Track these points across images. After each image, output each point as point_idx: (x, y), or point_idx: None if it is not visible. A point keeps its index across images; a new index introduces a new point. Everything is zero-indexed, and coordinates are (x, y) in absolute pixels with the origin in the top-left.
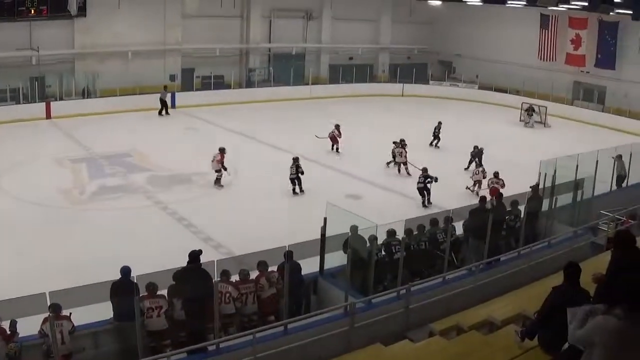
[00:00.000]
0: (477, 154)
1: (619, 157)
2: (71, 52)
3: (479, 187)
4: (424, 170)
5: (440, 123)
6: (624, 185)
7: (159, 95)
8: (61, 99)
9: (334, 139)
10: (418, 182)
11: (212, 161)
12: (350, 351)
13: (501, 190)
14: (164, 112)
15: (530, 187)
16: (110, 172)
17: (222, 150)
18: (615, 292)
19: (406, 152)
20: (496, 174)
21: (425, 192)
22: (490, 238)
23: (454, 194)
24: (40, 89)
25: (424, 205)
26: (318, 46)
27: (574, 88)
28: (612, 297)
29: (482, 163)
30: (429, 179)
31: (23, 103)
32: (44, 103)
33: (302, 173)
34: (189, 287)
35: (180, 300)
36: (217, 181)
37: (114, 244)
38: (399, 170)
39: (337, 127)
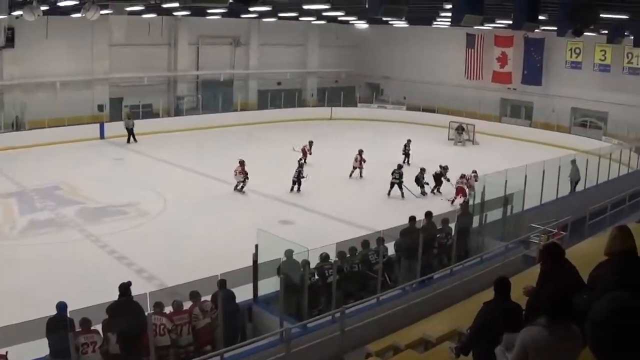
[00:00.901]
0: (442, 174)
1: (573, 161)
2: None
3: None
4: (399, 166)
5: (409, 140)
6: (578, 188)
7: (123, 123)
8: None
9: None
10: (393, 177)
11: (235, 174)
12: None
13: (467, 190)
14: (131, 140)
15: (460, 204)
16: (40, 207)
17: (241, 163)
18: (540, 303)
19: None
20: (462, 175)
21: (399, 187)
22: (423, 257)
23: (385, 214)
24: None
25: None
26: (246, 72)
27: (502, 105)
28: (537, 309)
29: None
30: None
31: None
32: None
33: (303, 177)
34: (122, 320)
35: (115, 334)
36: (240, 189)
37: (46, 279)
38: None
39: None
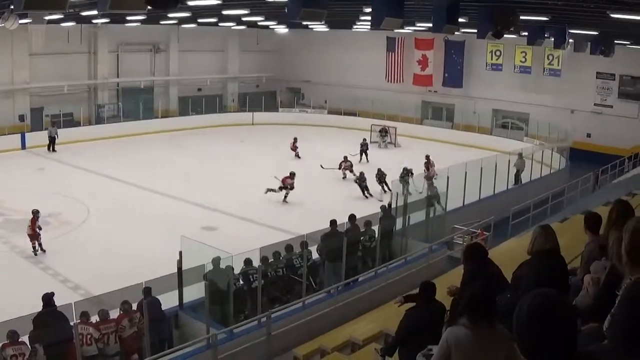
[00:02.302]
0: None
1: (520, 155)
2: None
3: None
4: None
5: (365, 139)
6: (521, 180)
7: (48, 130)
8: None
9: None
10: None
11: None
12: None
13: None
14: (51, 148)
15: (381, 207)
16: None
17: (292, 175)
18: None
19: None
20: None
21: (364, 190)
22: (347, 260)
23: (309, 217)
24: None
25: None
26: (166, 79)
27: (423, 107)
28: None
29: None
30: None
31: None
32: None
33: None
34: (48, 331)
35: (42, 346)
36: (285, 197)
37: None
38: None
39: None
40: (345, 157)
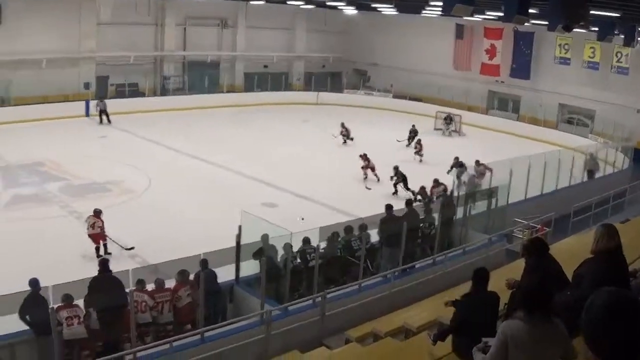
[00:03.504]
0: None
1: (591, 155)
2: None
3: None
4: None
5: (413, 125)
6: (596, 177)
7: (96, 103)
8: None
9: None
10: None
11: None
12: (267, 358)
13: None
14: (106, 119)
15: (439, 195)
16: (24, 182)
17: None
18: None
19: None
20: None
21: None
22: (406, 245)
23: (369, 200)
24: None
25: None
26: (233, 54)
27: (489, 97)
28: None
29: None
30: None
31: None
32: None
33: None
34: (103, 296)
35: (96, 310)
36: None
37: (29, 254)
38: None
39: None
40: (365, 155)
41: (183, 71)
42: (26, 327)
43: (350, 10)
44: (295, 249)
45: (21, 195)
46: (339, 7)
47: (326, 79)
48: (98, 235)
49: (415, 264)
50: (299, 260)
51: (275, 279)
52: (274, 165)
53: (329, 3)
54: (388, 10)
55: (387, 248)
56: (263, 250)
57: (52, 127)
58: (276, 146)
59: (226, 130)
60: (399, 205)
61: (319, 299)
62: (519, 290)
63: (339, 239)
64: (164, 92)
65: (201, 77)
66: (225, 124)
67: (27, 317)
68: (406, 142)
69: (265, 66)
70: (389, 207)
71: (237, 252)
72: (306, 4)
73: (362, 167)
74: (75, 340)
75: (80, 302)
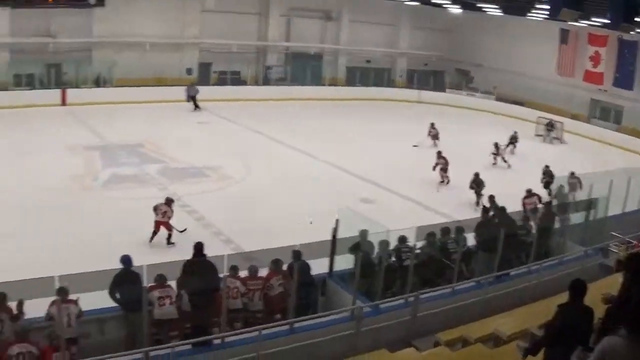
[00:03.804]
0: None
1: None
2: (89, 41)
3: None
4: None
5: (515, 131)
6: None
7: (184, 88)
8: (77, 86)
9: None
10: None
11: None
12: (355, 354)
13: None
14: (195, 106)
15: (542, 203)
16: (123, 162)
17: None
18: (621, 313)
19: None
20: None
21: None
22: (502, 252)
23: (468, 203)
24: (56, 75)
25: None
26: (336, 47)
27: (591, 105)
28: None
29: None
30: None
31: (38, 89)
32: (60, 90)
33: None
34: (196, 279)
35: (188, 293)
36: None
37: (124, 233)
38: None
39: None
40: (439, 153)
41: (285, 62)
42: (115, 305)
43: (455, 9)
44: (391, 246)
45: (120, 175)
46: (444, 6)
47: (428, 78)
48: (166, 224)
49: (510, 272)
50: (393, 258)
51: (369, 275)
52: (373, 161)
53: (433, 1)
54: (493, 10)
55: (483, 253)
56: (360, 245)
57: (153, 110)
58: (376, 142)
59: (327, 123)
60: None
61: (412, 299)
62: (619, 306)
63: (435, 240)
64: (266, 81)
65: (303, 69)
66: (326, 117)
67: (117, 294)
68: (505, 147)
69: (368, 61)
70: (485, 211)
71: (333, 246)
72: (411, 0)
73: (435, 167)
74: (165, 320)
75: (172, 284)
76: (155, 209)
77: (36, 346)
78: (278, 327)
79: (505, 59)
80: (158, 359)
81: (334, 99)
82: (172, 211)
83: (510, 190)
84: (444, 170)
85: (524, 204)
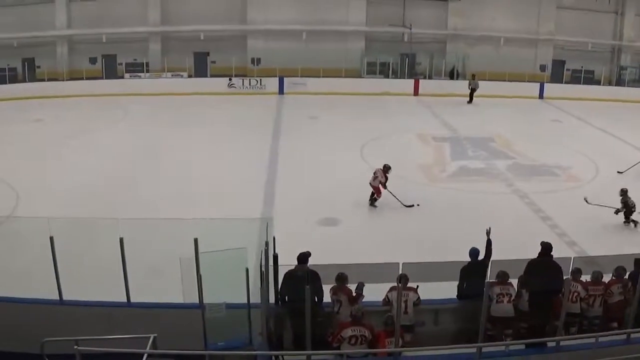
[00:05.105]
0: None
1: None
2: (443, 33)
3: None
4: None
5: None
6: None
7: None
8: (429, 77)
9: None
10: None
11: None
12: None
13: None
14: (470, 100)
15: None
16: (472, 155)
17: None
18: None
19: None
20: None
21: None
22: None
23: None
24: (410, 65)
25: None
26: None
27: None
28: None
29: None
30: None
31: (392, 78)
32: (413, 80)
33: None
34: (539, 280)
35: (528, 292)
36: None
37: (466, 225)
38: None
39: None
40: None
41: None
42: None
43: None
44: None
45: (468, 168)
46: None
47: None
48: (375, 188)
49: None
50: None
51: None
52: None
53: None
54: None
55: None
56: None
57: (505, 105)
58: None
59: None
60: None
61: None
62: None
63: None
64: (620, 82)
65: None
66: None
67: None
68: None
69: None
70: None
71: None
72: None
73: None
74: (501, 317)
75: (514, 281)
76: (374, 173)
77: (370, 330)
78: (614, 335)
79: None
80: (489, 355)
81: None
82: (385, 177)
83: None
84: None
85: None
